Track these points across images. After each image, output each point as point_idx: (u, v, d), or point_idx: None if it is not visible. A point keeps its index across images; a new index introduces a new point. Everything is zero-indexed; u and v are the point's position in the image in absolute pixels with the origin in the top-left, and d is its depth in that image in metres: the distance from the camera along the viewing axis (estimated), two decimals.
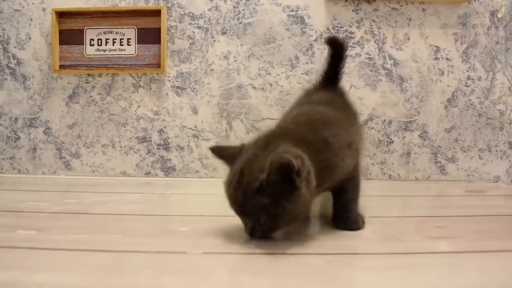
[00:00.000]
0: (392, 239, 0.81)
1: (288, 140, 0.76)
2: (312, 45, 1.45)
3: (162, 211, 1.00)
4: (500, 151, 1.48)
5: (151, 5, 1.46)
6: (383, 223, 0.93)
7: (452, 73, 1.47)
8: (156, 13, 1.44)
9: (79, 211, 0.99)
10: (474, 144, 1.49)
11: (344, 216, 0.86)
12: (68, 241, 0.76)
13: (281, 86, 1.46)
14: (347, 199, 0.88)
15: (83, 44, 1.48)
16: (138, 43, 1.46)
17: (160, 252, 0.72)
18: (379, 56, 1.46)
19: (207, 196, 1.18)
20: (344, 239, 0.80)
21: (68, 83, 1.50)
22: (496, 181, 1.48)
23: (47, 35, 1.49)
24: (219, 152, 0.85)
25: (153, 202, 1.10)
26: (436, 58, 1.47)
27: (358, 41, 1.45)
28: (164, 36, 1.43)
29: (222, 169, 1.45)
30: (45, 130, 1.52)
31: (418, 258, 0.71)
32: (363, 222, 0.87)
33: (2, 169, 1.53)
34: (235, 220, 0.89)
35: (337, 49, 1.08)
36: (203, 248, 0.72)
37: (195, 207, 1.05)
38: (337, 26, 1.45)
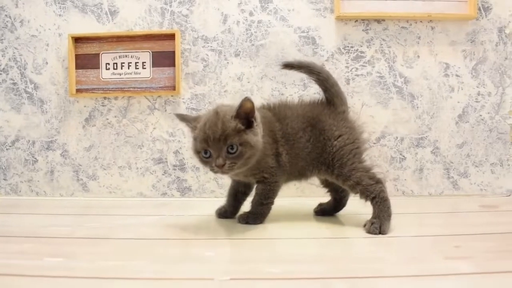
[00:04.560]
0: (413, 260, 0.82)
1: None
2: (324, 65, 1.47)
3: (186, 235, 1.02)
4: None
5: (165, 29, 1.49)
6: (402, 243, 0.94)
7: (462, 89, 1.49)
8: (170, 37, 1.47)
9: (102, 236, 1.01)
10: (485, 159, 1.50)
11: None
12: (97, 269, 0.78)
13: None
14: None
15: (99, 68, 1.51)
16: (153, 67, 1.49)
17: (188, 279, 0.73)
18: (389, 74, 1.48)
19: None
20: (366, 262, 0.82)
21: (85, 106, 1.53)
22: (509, 195, 1.49)
23: (63, 60, 1.52)
24: (182, 116, 1.07)
25: (174, 225, 1.12)
26: (446, 75, 1.49)
27: (369, 60, 1.48)
28: (178, 59, 1.46)
29: None
30: (62, 152, 1.54)
31: (441, 281, 0.72)
32: None
33: (20, 191, 1.56)
34: (261, 243, 0.91)
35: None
36: (231, 274, 0.74)
37: (217, 230, 1.07)
38: (348, 46, 1.48)
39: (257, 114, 1.01)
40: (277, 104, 1.14)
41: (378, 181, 1.04)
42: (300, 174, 1.12)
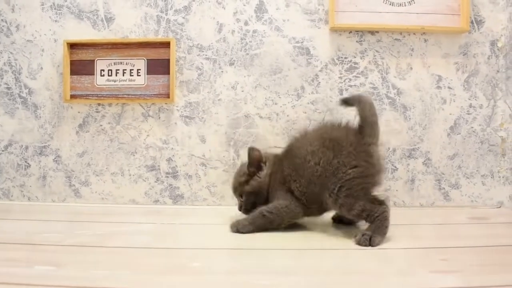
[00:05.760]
0: (401, 273, 0.83)
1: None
2: (318, 75, 1.48)
3: (174, 244, 1.02)
4: (503, 177, 1.50)
5: (160, 37, 1.50)
6: (392, 255, 0.95)
7: (454, 101, 1.50)
8: (166, 44, 1.48)
9: (93, 244, 1.01)
10: (477, 171, 1.51)
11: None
12: (87, 278, 0.78)
13: (287, 116, 1.49)
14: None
15: (93, 74, 1.51)
16: (147, 74, 1.50)
17: None
18: (382, 85, 1.49)
19: (217, 226, 1.19)
20: (355, 274, 0.82)
21: (79, 112, 1.53)
22: (499, 207, 1.50)
23: (58, 66, 1.52)
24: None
25: (165, 233, 1.12)
26: (439, 87, 1.50)
27: (362, 71, 1.49)
28: (173, 67, 1.47)
29: (230, 197, 1.48)
30: (55, 158, 1.54)
31: None
32: None
33: (12, 196, 1.55)
34: (250, 253, 0.91)
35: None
36: (220, 285, 0.74)
37: (206, 239, 1.07)
38: (342, 57, 1.49)
39: (267, 156, 1.20)
40: (294, 138, 1.20)
41: (382, 203, 1.05)
42: (321, 201, 1.10)
